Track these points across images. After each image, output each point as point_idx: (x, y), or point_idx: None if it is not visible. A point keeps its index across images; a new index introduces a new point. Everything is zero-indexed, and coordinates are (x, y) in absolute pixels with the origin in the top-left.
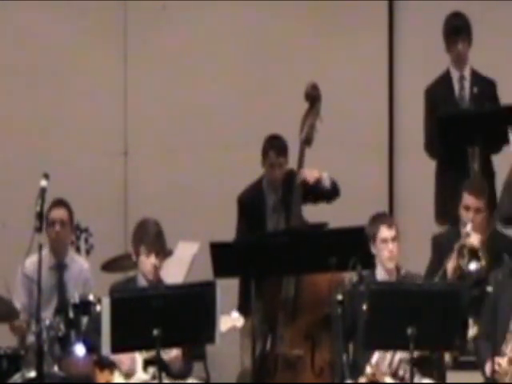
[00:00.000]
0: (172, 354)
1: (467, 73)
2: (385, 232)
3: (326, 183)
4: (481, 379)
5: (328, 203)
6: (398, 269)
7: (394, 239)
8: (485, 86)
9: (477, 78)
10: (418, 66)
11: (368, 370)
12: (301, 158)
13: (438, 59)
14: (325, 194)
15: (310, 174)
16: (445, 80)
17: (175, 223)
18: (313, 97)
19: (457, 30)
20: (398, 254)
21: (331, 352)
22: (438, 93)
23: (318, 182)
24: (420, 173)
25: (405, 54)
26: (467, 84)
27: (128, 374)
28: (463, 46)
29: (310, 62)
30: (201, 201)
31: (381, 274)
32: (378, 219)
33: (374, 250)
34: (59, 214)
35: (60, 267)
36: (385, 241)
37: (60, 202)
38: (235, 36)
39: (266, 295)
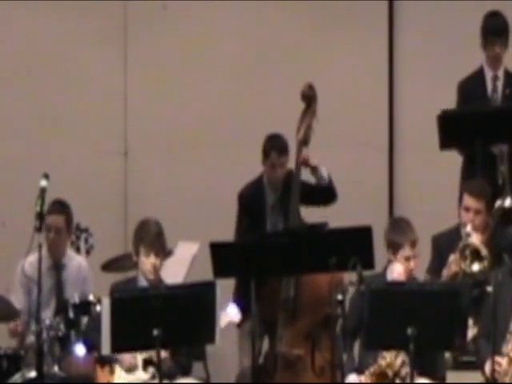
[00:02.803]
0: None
1: (501, 73)
2: (408, 252)
3: (324, 174)
4: (481, 379)
5: (325, 206)
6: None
7: (415, 256)
8: None
9: (510, 78)
10: (418, 65)
11: (381, 362)
12: (298, 158)
13: (438, 59)
14: (322, 189)
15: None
16: (478, 77)
17: (175, 223)
18: (309, 97)
19: (497, 31)
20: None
21: (331, 352)
22: (471, 89)
23: (316, 170)
24: (420, 172)
25: (405, 54)
26: (500, 84)
27: (130, 369)
28: (501, 47)
29: (310, 62)
30: (201, 201)
31: (391, 277)
32: (402, 232)
33: (390, 256)
34: (54, 221)
35: (58, 267)
36: (407, 259)
37: (57, 207)
38: (235, 36)
39: (265, 294)
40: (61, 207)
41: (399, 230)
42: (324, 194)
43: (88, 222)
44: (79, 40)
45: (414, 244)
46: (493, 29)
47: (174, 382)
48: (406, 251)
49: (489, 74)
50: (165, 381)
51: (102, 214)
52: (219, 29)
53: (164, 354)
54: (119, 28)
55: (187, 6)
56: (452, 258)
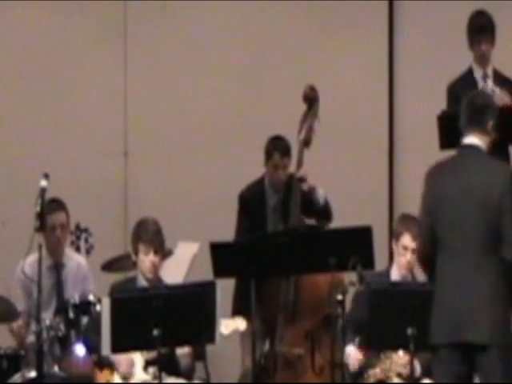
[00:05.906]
0: (185, 350)
1: (490, 71)
2: (407, 241)
3: (320, 198)
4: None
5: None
6: (413, 274)
7: (414, 251)
8: (507, 86)
9: (498, 77)
10: (418, 65)
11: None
12: (300, 159)
13: (438, 59)
14: (316, 209)
15: (309, 175)
16: (468, 77)
17: (175, 223)
18: (311, 98)
19: (481, 29)
20: (414, 265)
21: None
22: (463, 90)
23: (312, 191)
24: (420, 173)
25: (405, 54)
26: (490, 82)
27: (125, 377)
28: (487, 45)
29: (310, 63)
30: (201, 201)
31: (395, 275)
32: (407, 223)
33: (394, 246)
34: (60, 218)
35: (57, 267)
36: (405, 248)
37: (56, 205)
38: (235, 36)
39: (265, 296)
40: (59, 204)
41: (403, 221)
42: (318, 214)
43: (88, 222)
44: (79, 40)
45: (414, 237)
46: (477, 27)
47: (175, 382)
48: (405, 240)
49: (478, 73)
50: (177, 378)
51: (102, 214)
52: (219, 29)
53: (188, 349)
54: (119, 28)
55: (187, 6)
56: None
